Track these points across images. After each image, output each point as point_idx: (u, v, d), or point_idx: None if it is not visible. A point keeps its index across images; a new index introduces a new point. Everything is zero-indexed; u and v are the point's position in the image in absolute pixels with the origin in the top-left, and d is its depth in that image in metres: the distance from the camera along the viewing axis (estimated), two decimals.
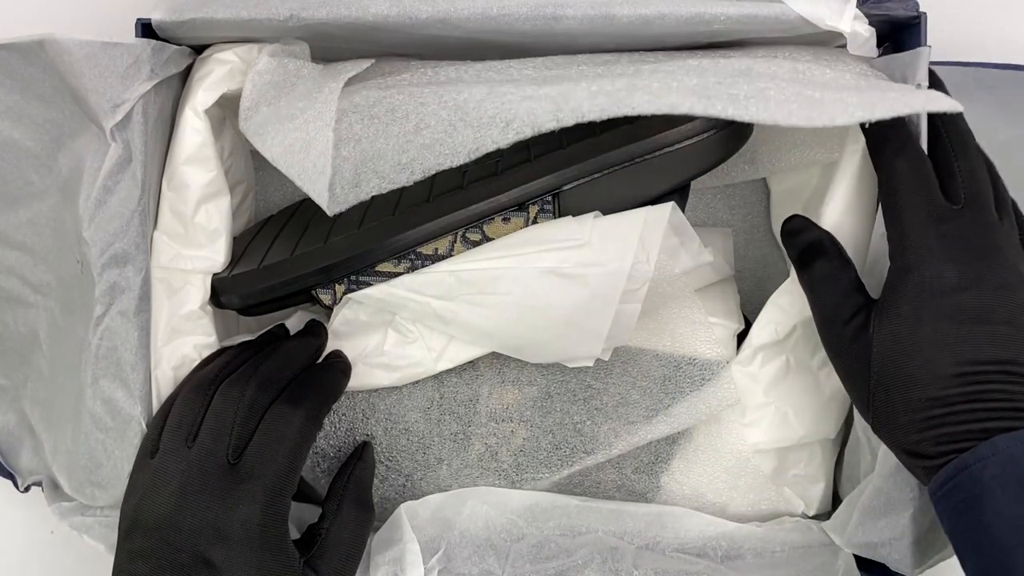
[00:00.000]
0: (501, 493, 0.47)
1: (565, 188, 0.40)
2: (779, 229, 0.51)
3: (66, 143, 0.42)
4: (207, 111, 0.41)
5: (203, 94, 0.41)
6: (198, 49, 0.43)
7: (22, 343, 0.46)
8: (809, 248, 0.40)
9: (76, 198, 0.40)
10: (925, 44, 0.39)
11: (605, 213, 0.40)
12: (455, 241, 0.41)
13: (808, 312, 0.41)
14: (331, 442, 0.48)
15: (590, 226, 0.39)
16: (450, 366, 0.44)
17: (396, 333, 0.44)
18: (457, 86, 0.37)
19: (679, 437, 0.46)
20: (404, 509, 0.45)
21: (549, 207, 0.40)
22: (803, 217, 0.41)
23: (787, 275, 0.44)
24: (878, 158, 0.38)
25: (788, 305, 0.43)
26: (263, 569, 0.36)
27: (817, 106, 0.33)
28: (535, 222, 0.40)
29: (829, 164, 0.44)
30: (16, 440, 0.48)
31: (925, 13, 0.39)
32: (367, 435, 0.47)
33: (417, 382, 0.46)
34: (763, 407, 0.44)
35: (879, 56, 0.40)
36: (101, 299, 0.39)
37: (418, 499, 0.46)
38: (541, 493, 0.47)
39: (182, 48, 0.41)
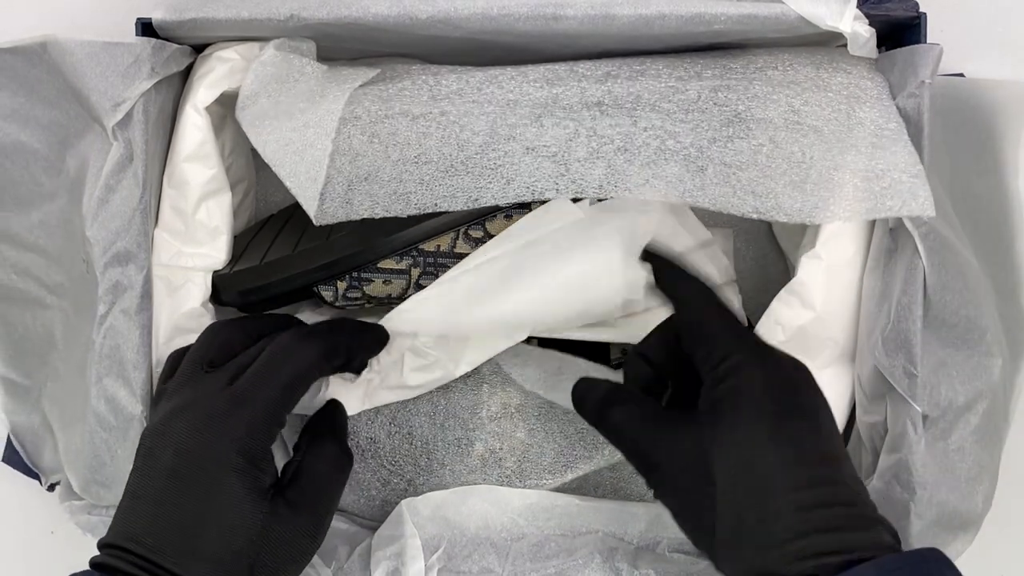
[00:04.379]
0: (502, 492, 0.47)
1: None
2: (779, 230, 0.51)
3: (72, 144, 0.42)
4: (208, 109, 0.41)
5: (204, 91, 0.41)
6: (199, 48, 0.43)
7: (41, 344, 0.46)
8: (603, 401, 0.39)
9: (82, 198, 0.40)
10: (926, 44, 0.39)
11: None
12: (457, 238, 0.41)
13: (812, 313, 0.41)
14: None
15: (587, 204, 0.40)
16: (469, 369, 0.44)
17: (415, 357, 0.43)
18: (460, 110, 0.37)
19: None
20: (405, 506, 0.45)
21: None
22: (582, 382, 0.40)
23: (788, 275, 0.44)
24: (666, 285, 0.40)
25: (793, 305, 0.43)
26: (232, 492, 0.35)
27: (800, 196, 0.35)
28: None
29: None
30: (40, 439, 0.48)
31: (925, 14, 0.39)
32: (370, 438, 0.47)
33: None
34: None
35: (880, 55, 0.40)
36: (104, 298, 0.39)
37: None
38: (542, 492, 0.47)
39: (182, 47, 0.42)
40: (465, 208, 0.36)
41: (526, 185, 0.35)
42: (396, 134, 0.38)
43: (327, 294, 0.42)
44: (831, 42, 0.41)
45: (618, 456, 0.46)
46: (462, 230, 0.41)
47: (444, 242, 0.41)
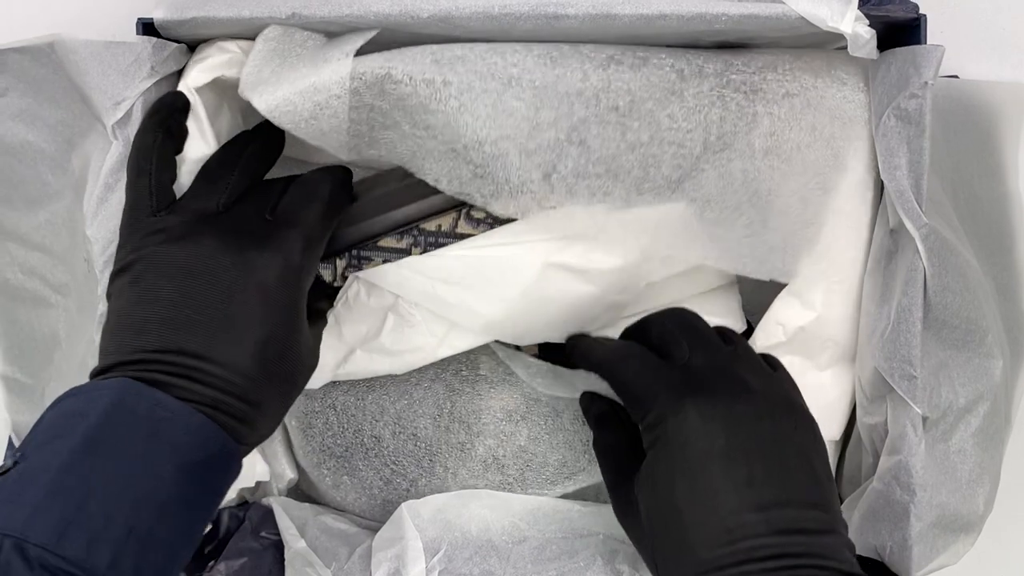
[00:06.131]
0: (503, 496, 0.47)
1: None
2: None
3: (77, 143, 0.42)
4: (201, 93, 0.41)
5: (197, 73, 0.40)
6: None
7: (45, 343, 0.46)
8: (598, 419, 0.41)
9: (84, 197, 0.40)
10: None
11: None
12: (459, 218, 0.41)
13: (813, 314, 0.41)
14: (339, 441, 0.48)
15: (603, 220, 0.39)
16: (451, 352, 0.44)
17: (396, 316, 0.44)
18: (462, 81, 0.38)
19: None
20: (406, 508, 0.45)
21: None
22: (588, 393, 0.43)
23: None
24: (580, 359, 0.40)
25: (794, 306, 0.43)
26: (290, 306, 0.36)
27: (766, 263, 0.39)
28: None
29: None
30: None
31: (925, 15, 0.39)
32: (375, 437, 0.47)
33: (429, 388, 0.46)
34: None
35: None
36: (103, 297, 0.39)
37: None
38: (543, 497, 0.47)
39: (182, 46, 0.42)
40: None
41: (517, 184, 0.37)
42: (403, 99, 0.38)
43: (325, 273, 0.42)
44: (831, 43, 0.41)
45: None
46: (464, 210, 0.40)
47: (446, 222, 0.41)
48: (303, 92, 0.37)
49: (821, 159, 0.40)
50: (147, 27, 0.41)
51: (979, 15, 0.50)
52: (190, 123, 0.40)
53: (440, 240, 0.41)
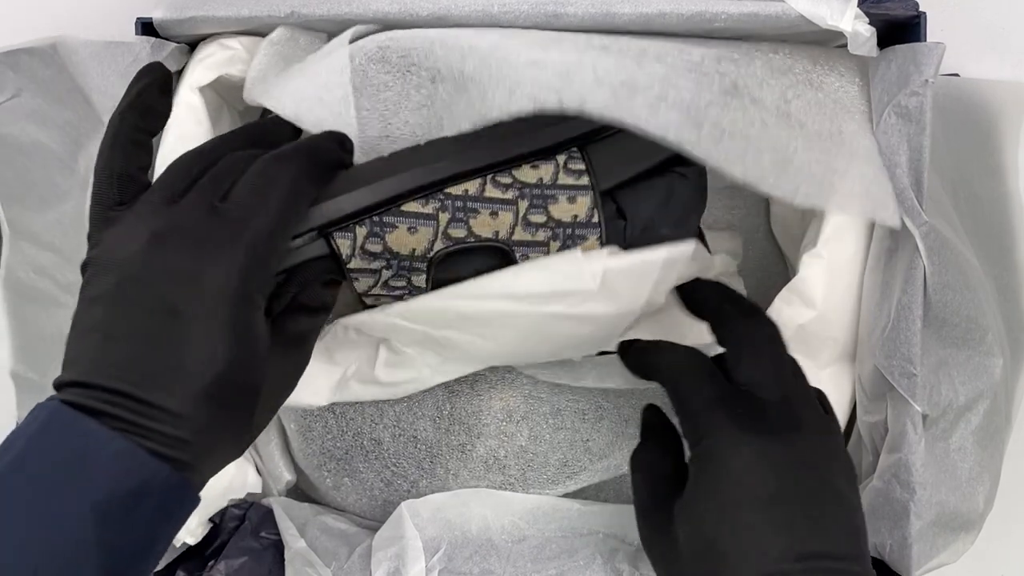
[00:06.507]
0: (503, 495, 0.47)
1: (594, 141, 0.38)
2: (779, 229, 0.51)
3: (84, 143, 0.42)
4: (203, 93, 0.41)
5: (200, 72, 0.40)
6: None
7: (54, 342, 0.46)
8: (646, 430, 0.39)
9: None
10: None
11: (631, 167, 0.38)
12: (485, 183, 0.37)
13: (813, 312, 0.41)
14: (338, 444, 0.48)
15: (601, 269, 0.37)
16: (447, 379, 0.44)
17: (389, 352, 0.43)
18: (461, 34, 0.37)
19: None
20: (405, 507, 0.45)
21: (577, 157, 0.38)
22: (654, 406, 0.40)
23: (788, 275, 0.44)
24: (655, 360, 0.37)
25: (794, 304, 0.43)
26: (233, 324, 0.30)
27: (783, 176, 0.34)
28: (565, 169, 0.37)
29: None
30: None
31: (925, 13, 0.39)
32: (375, 440, 0.47)
33: (428, 390, 0.46)
34: None
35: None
36: None
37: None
38: (543, 496, 0.47)
39: (182, 46, 0.42)
40: (470, 119, 0.34)
41: (529, 96, 0.33)
42: (407, 54, 0.37)
43: (344, 243, 0.37)
44: (830, 41, 0.41)
45: (623, 470, 0.46)
46: (489, 176, 0.37)
47: (472, 187, 0.37)
48: (310, 79, 0.37)
49: (826, 131, 0.39)
50: (146, 27, 0.41)
51: (979, 14, 0.50)
52: (191, 123, 0.40)
53: (469, 204, 0.37)
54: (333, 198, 0.36)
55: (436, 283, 0.38)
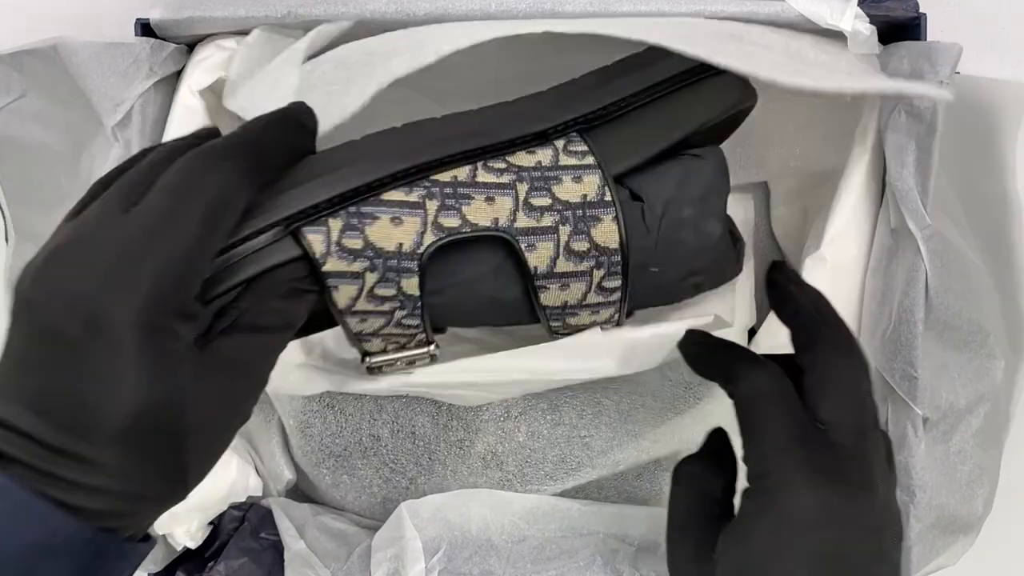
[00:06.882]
0: (503, 495, 0.47)
1: (595, 124, 0.35)
2: (780, 231, 0.51)
3: (86, 145, 0.42)
4: (203, 95, 0.41)
5: (200, 74, 0.40)
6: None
7: None
8: (705, 448, 0.35)
9: None
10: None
11: (638, 152, 0.35)
12: (476, 169, 0.33)
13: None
14: (337, 441, 0.48)
15: (619, 345, 0.36)
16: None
17: None
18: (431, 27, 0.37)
19: (684, 448, 0.46)
20: (405, 508, 0.45)
21: (578, 140, 0.34)
22: (721, 430, 0.36)
23: None
24: (730, 369, 0.32)
25: None
26: (140, 358, 0.25)
27: (801, 70, 0.32)
28: (565, 151, 0.34)
29: (832, 168, 0.44)
30: None
31: (925, 14, 0.39)
32: (373, 436, 0.47)
33: None
34: None
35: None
36: None
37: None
38: (543, 496, 0.47)
39: (181, 47, 0.42)
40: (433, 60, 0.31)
41: (496, 29, 0.32)
42: (371, 52, 0.35)
43: (316, 239, 0.30)
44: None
45: (622, 466, 0.46)
46: (480, 162, 0.33)
47: (461, 173, 0.33)
48: (260, 79, 0.36)
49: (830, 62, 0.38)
50: (146, 28, 0.41)
51: (979, 14, 0.49)
52: (192, 126, 0.40)
53: (459, 191, 0.32)
54: (300, 185, 0.30)
55: (431, 291, 0.33)
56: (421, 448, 0.47)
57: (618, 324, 0.36)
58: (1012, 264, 0.42)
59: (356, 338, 0.34)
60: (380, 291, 0.32)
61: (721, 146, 0.37)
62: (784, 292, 0.34)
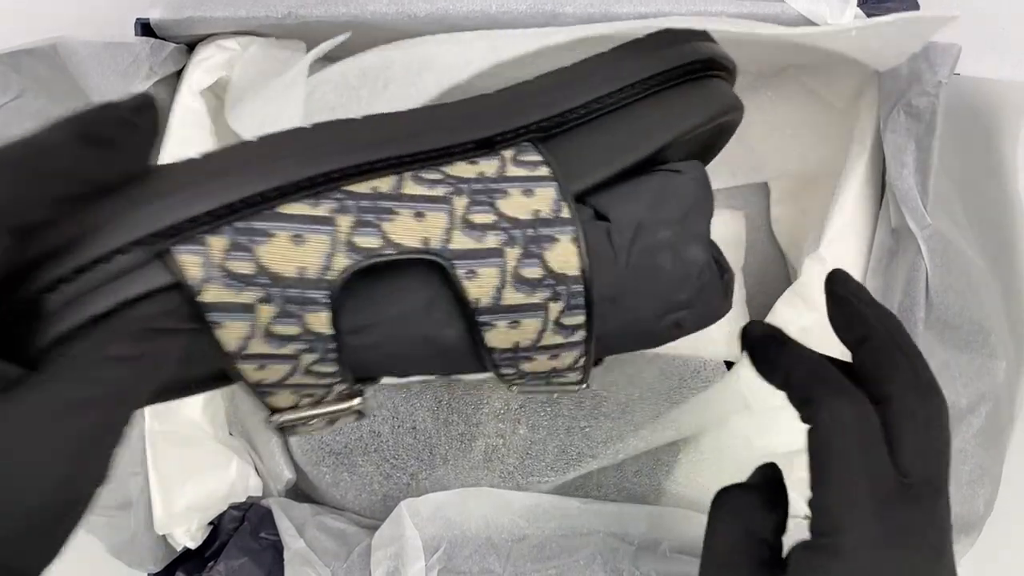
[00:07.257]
0: (502, 494, 0.47)
1: (552, 133, 0.29)
2: (780, 231, 0.51)
3: None
4: (204, 96, 0.41)
5: (199, 75, 0.40)
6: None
7: None
8: (757, 481, 0.31)
9: None
10: None
11: (603, 166, 0.28)
12: (402, 179, 0.26)
13: (815, 315, 0.40)
14: (337, 437, 0.48)
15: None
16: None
17: None
18: (427, 43, 0.37)
19: (683, 441, 0.46)
20: (405, 506, 0.45)
21: (530, 149, 0.28)
22: (774, 465, 0.32)
23: (788, 276, 0.44)
24: (811, 389, 0.28)
25: (797, 306, 0.43)
26: None
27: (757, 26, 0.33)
28: (514, 161, 0.28)
29: (832, 169, 0.44)
30: None
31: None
32: (374, 432, 0.47)
33: (426, 380, 0.46)
34: (770, 410, 0.44)
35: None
36: None
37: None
38: (542, 495, 0.47)
39: (181, 46, 0.42)
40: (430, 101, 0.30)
41: (488, 58, 0.31)
42: (365, 72, 0.36)
43: (191, 261, 0.23)
44: None
45: (621, 456, 0.46)
46: (408, 172, 0.27)
47: (384, 184, 0.26)
48: (269, 100, 0.37)
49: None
50: (146, 28, 0.41)
51: (979, 14, 0.49)
52: (193, 126, 0.40)
53: (380, 204, 0.25)
54: (170, 195, 0.23)
55: (349, 331, 0.26)
56: (422, 443, 0.47)
57: (585, 376, 0.30)
58: (1013, 264, 0.42)
59: (256, 390, 0.26)
60: (280, 329, 0.24)
61: (720, 146, 0.34)
62: (852, 311, 0.29)
